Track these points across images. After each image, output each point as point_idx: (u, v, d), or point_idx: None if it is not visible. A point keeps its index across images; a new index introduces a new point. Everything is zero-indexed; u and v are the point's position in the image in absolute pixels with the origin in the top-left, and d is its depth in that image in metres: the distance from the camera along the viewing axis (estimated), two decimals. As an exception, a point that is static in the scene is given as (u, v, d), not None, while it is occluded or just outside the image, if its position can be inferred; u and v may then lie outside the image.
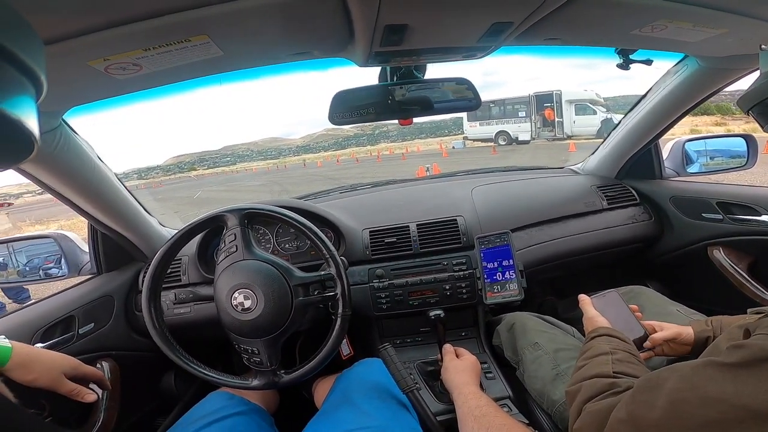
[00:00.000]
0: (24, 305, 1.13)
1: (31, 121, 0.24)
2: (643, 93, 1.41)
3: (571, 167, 1.84)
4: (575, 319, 1.36)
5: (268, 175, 21.95)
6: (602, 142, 1.68)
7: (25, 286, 3.94)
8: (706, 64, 1.13)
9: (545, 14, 0.68)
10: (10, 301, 4.14)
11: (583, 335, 1.16)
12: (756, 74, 0.67)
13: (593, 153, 1.73)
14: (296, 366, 0.97)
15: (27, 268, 1.30)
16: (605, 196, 1.54)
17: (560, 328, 1.17)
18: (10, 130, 0.23)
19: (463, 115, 18.52)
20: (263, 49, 0.74)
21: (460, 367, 1.00)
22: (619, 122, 1.56)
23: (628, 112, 1.49)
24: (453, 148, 20.40)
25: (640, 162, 1.58)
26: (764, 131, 0.67)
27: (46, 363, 0.80)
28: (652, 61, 1.04)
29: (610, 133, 1.62)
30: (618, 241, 1.50)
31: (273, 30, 0.66)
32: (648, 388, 0.55)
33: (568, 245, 1.45)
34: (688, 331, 0.89)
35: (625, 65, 1.02)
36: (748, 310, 0.79)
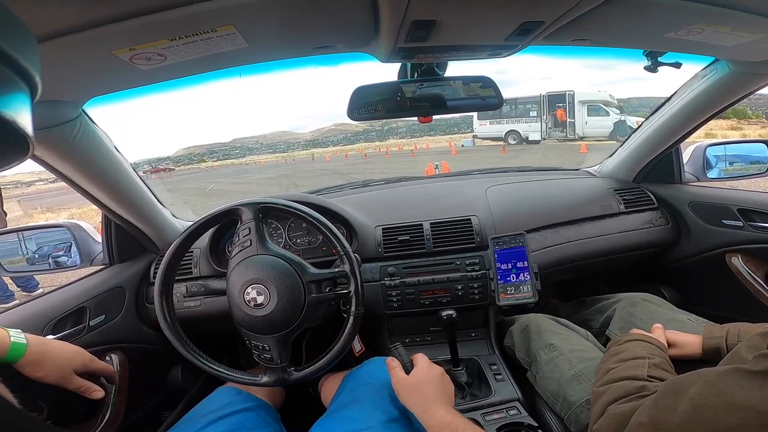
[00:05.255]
0: (33, 294, 1.12)
1: (25, 121, 0.23)
2: (656, 95, 1.39)
3: (587, 169, 1.81)
4: (579, 322, 1.35)
5: (277, 168, 21.97)
6: (621, 145, 1.65)
7: (35, 276, 3.96)
8: (737, 69, 1.10)
9: (578, 14, 0.66)
10: (19, 289, 4.18)
11: (597, 338, 1.15)
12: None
13: (611, 156, 1.70)
14: (304, 363, 0.96)
15: (36, 256, 1.28)
16: (623, 200, 1.52)
17: (574, 330, 1.16)
18: (3, 130, 0.22)
19: (474, 113, 18.41)
20: (288, 42, 0.73)
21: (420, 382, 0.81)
22: (640, 125, 1.53)
23: (650, 115, 1.47)
24: (462, 146, 20.27)
25: (659, 166, 1.56)
26: None
27: (57, 360, 0.79)
28: (681, 64, 1.02)
29: (630, 135, 1.60)
30: (634, 245, 1.48)
31: (299, 22, 0.65)
32: (672, 393, 0.55)
33: (584, 248, 1.43)
34: (693, 346, 0.90)
35: (653, 68, 0.99)
36: None
